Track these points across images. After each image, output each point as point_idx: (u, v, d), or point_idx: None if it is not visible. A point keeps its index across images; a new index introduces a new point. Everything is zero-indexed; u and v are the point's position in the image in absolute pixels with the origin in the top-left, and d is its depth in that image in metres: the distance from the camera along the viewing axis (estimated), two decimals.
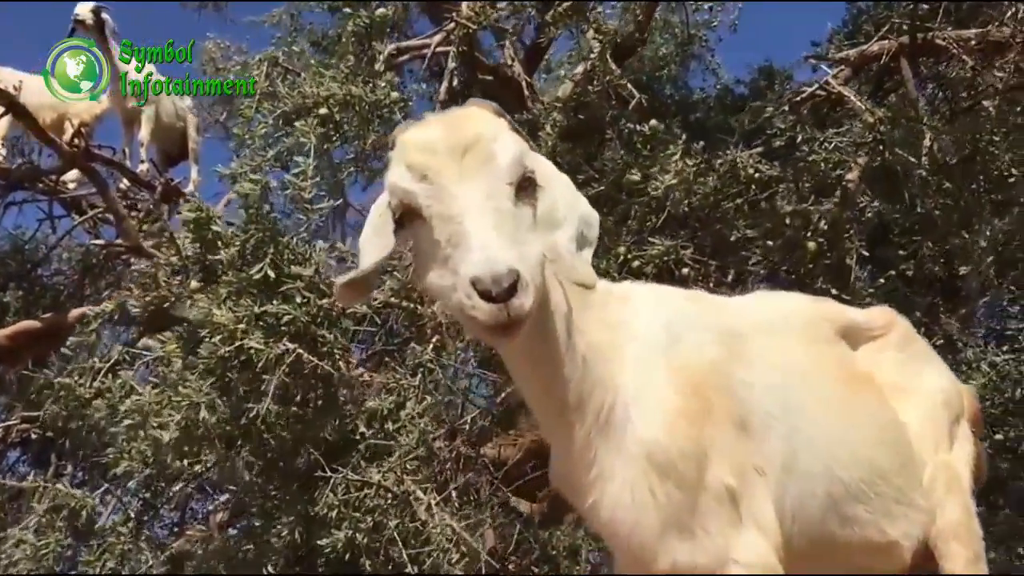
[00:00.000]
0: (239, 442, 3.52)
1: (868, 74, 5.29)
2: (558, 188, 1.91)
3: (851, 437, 2.39)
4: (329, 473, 3.46)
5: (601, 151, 4.85)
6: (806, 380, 2.35)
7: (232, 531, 4.12)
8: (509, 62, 5.61)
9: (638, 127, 4.86)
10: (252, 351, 3.36)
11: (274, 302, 3.44)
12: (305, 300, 3.48)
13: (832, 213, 4.21)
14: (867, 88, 5.31)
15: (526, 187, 1.79)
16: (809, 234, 4.22)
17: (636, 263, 4.18)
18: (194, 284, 3.72)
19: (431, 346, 4.16)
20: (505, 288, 1.58)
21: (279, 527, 3.64)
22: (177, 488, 4.13)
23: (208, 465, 3.65)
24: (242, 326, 3.31)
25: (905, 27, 5.05)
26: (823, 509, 2.28)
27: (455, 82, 5.28)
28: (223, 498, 3.95)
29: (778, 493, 2.13)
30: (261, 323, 3.44)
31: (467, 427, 4.44)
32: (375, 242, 1.93)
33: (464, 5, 5.25)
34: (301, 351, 3.36)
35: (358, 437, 3.77)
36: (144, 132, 7.40)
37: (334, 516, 3.50)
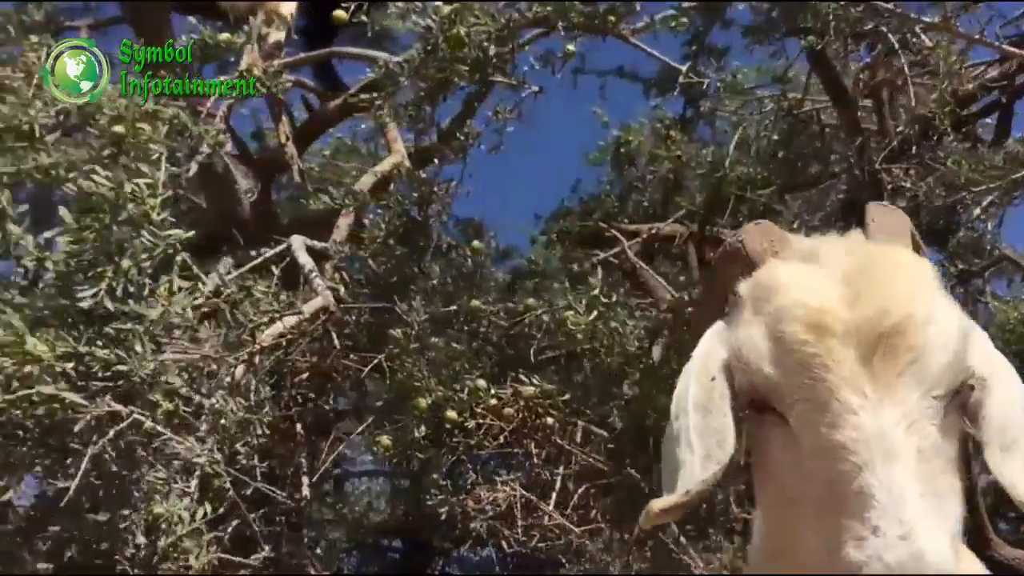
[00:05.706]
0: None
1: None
2: (1005, 385, 1.27)
3: None
4: None
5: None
6: None
7: None
8: (284, 140, 4.98)
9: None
10: (60, 405, 2.33)
11: (99, 343, 2.46)
12: (143, 350, 2.52)
13: None
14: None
15: (958, 401, 1.20)
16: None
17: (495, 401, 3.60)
18: None
19: None
20: None
21: None
22: None
23: None
24: (69, 365, 2.29)
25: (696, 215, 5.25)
26: None
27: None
28: None
29: None
30: (75, 369, 2.42)
31: None
32: (705, 428, 1.25)
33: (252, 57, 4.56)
34: (141, 416, 2.38)
35: (132, 549, 2.75)
36: None
37: None
